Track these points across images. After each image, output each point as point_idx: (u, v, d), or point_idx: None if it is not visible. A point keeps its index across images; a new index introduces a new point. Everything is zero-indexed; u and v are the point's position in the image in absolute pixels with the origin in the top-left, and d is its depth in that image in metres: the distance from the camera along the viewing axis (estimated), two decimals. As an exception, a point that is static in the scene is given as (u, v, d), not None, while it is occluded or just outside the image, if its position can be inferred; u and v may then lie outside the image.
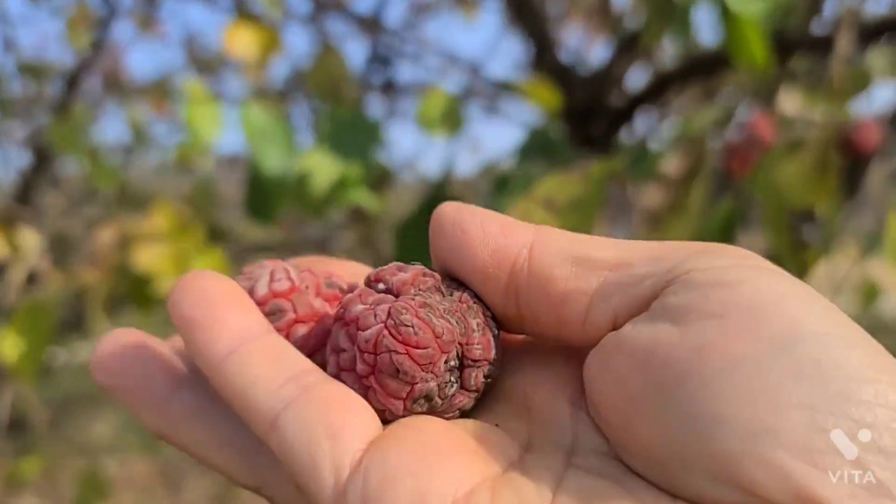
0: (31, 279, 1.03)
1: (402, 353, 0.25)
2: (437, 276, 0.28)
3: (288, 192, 0.98)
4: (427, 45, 1.30)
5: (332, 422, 0.23)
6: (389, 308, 0.26)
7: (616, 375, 0.24)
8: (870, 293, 1.44)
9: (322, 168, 1.08)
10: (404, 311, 0.25)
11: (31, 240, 1.03)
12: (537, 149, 1.06)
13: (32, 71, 1.78)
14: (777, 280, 0.22)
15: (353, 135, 0.96)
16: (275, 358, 0.25)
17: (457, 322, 0.26)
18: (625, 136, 1.41)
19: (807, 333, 0.20)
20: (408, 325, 0.25)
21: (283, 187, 0.97)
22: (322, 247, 2.37)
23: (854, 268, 1.24)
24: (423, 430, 0.24)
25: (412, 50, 1.44)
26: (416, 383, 0.25)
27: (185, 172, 1.90)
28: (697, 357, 0.21)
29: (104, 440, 3.49)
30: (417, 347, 0.25)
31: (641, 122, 1.70)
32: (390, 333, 0.25)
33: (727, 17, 0.77)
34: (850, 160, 0.54)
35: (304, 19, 1.40)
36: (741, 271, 0.22)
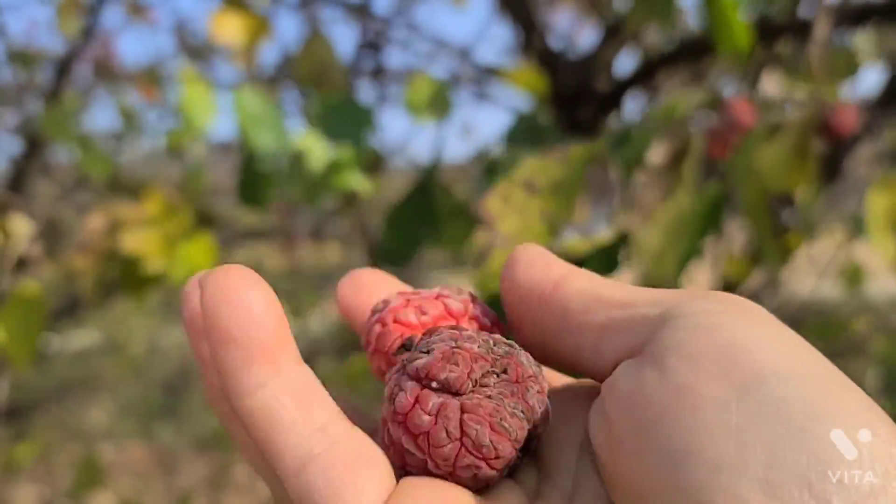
0: (22, 265, 1.03)
1: (482, 468, 0.26)
2: (477, 334, 0.28)
3: (282, 176, 0.97)
4: (416, 30, 1.30)
5: (355, 479, 0.25)
6: (461, 423, 0.26)
7: (608, 418, 0.26)
8: (855, 276, 1.45)
9: (316, 150, 1.07)
10: (478, 426, 0.26)
11: (21, 226, 1.03)
12: (525, 134, 1.06)
13: (22, 58, 1.77)
14: (753, 323, 0.24)
15: (344, 118, 0.95)
16: (302, 402, 0.25)
17: (522, 413, 0.26)
18: (613, 120, 1.40)
19: (771, 376, 0.22)
20: (486, 444, 0.25)
21: (277, 172, 0.97)
22: (314, 233, 2.37)
23: (840, 251, 1.25)
24: (436, 485, 0.26)
25: (402, 35, 1.43)
26: (494, 479, 0.27)
27: (176, 159, 1.89)
28: (674, 398, 0.23)
29: (100, 426, 3.49)
30: (497, 458, 0.26)
31: (630, 107, 1.70)
32: (470, 454, 0.26)
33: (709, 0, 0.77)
34: (828, 144, 0.54)
35: (294, 6, 1.39)
36: (722, 316, 0.25)
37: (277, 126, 0.95)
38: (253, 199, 1.03)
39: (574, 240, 0.55)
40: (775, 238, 0.58)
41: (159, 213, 0.89)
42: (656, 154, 0.56)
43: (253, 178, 1.03)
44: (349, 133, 0.97)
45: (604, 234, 0.54)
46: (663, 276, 0.58)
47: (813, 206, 0.56)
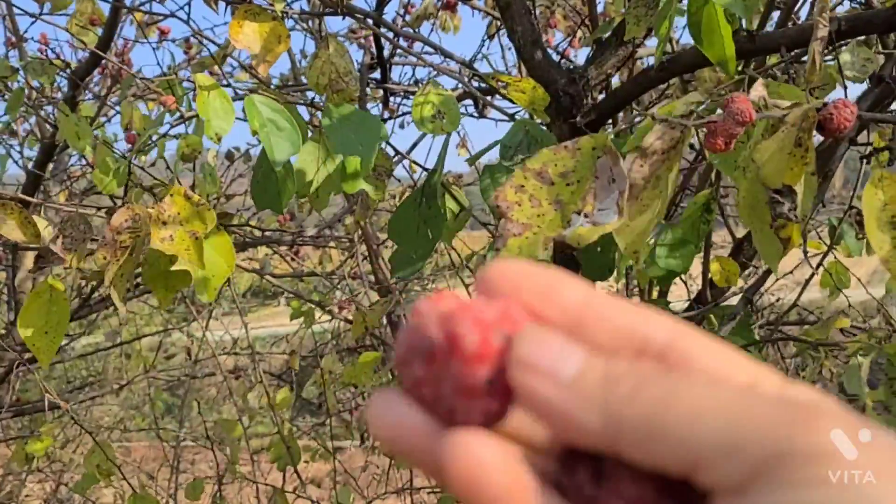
0: (43, 262, 1.03)
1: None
2: None
3: (300, 179, 0.98)
4: (420, 42, 1.31)
5: None
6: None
7: None
8: (837, 281, 1.46)
9: (317, 159, 1.08)
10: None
11: (41, 224, 1.03)
12: (522, 142, 1.07)
13: (40, 67, 1.78)
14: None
15: (355, 129, 0.96)
16: None
17: None
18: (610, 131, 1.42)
19: None
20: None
21: (293, 175, 0.98)
22: (316, 239, 2.38)
23: (823, 257, 1.27)
24: None
25: (407, 47, 1.44)
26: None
27: (188, 166, 1.90)
28: None
29: (106, 424, 3.48)
30: None
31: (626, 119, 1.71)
32: None
33: (699, 4, 0.79)
34: (825, 139, 0.56)
35: (303, 16, 1.40)
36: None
37: (294, 129, 0.96)
38: (269, 202, 1.04)
39: (583, 227, 0.56)
40: (774, 231, 0.59)
41: (184, 213, 0.89)
42: (650, 139, 0.57)
43: (270, 182, 1.04)
44: (360, 143, 0.97)
45: (612, 223, 0.55)
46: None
47: (808, 202, 0.57)
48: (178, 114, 1.42)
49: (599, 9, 2.11)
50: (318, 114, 1.37)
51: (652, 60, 1.86)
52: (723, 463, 0.20)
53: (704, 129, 0.58)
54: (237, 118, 0.98)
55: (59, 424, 2.57)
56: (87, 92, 2.20)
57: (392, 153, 1.11)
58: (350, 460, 3.48)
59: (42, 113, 2.06)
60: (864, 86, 1.15)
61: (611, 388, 0.22)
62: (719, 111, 0.57)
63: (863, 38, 1.11)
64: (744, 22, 0.91)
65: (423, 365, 0.23)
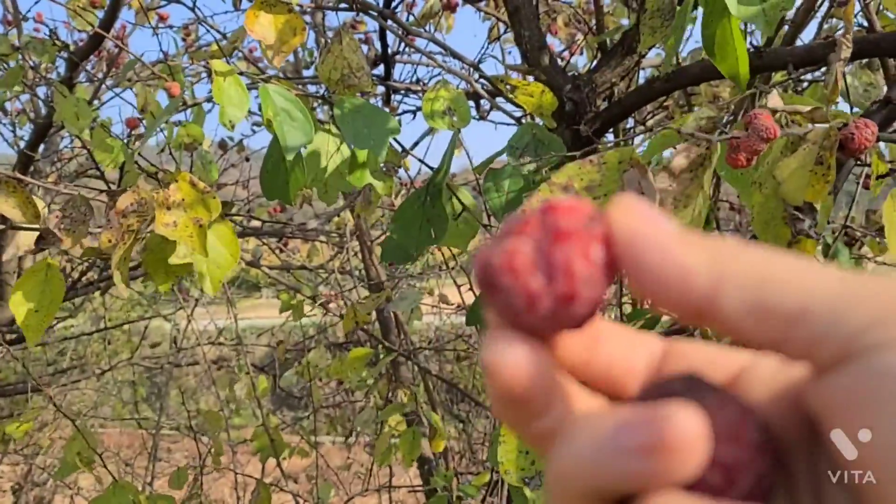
0: (45, 244, 1.02)
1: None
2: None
3: (311, 169, 0.98)
4: (426, 40, 1.32)
5: None
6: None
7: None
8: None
9: (333, 147, 1.08)
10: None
11: (40, 205, 1.03)
12: (529, 145, 1.08)
13: (41, 46, 1.76)
14: None
15: (368, 122, 0.96)
16: None
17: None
18: (612, 137, 1.43)
19: None
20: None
21: (302, 166, 0.98)
22: (312, 230, 2.37)
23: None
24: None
25: (413, 45, 1.44)
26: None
27: (182, 154, 1.89)
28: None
29: (83, 409, 3.46)
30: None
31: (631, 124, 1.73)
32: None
33: (714, 18, 0.80)
34: (845, 158, 0.57)
35: (312, 10, 1.40)
36: None
37: (306, 119, 0.96)
38: (278, 192, 1.04)
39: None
40: (789, 247, 0.60)
41: (189, 199, 0.89)
42: (679, 158, 0.58)
43: (278, 172, 1.03)
44: (372, 137, 0.98)
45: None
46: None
47: (825, 218, 0.59)
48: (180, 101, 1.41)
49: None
50: (319, 107, 1.37)
51: (650, 71, 1.88)
52: (821, 333, 0.20)
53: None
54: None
55: (36, 408, 2.55)
56: (81, 74, 2.18)
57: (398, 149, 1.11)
58: (327, 456, 3.47)
59: (37, 93, 2.04)
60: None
61: (718, 244, 0.22)
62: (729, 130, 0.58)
63: (865, 60, 1.12)
64: (757, 37, 0.92)
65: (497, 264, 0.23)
